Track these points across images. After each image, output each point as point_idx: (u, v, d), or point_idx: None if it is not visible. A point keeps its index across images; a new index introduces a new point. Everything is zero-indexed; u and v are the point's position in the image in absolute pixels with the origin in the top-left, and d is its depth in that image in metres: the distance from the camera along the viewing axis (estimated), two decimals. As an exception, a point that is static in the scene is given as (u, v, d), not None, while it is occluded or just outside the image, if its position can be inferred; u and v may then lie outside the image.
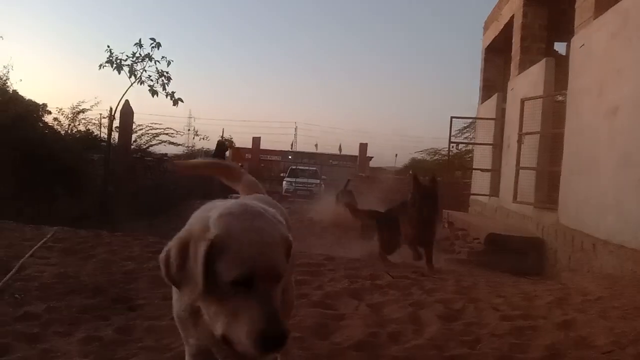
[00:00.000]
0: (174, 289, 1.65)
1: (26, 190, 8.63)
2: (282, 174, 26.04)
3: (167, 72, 11.20)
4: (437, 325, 3.46)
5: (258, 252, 1.31)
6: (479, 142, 13.04)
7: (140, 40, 10.98)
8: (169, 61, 11.14)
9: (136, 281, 4.26)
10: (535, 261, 7.14)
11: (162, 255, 1.35)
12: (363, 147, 32.71)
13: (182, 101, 11.45)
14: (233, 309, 1.28)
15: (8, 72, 11.90)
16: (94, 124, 12.60)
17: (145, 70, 11.11)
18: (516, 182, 8.84)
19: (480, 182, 12.20)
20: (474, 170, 13.30)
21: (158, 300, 3.74)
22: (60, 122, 11.99)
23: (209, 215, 1.37)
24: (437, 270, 5.90)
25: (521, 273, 6.47)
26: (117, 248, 5.54)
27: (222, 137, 24.51)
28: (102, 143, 11.73)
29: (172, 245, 1.34)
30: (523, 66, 9.75)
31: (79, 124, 12.37)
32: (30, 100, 12.64)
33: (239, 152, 31.11)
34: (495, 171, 11.07)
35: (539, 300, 4.32)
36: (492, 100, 11.93)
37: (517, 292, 4.62)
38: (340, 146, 39.78)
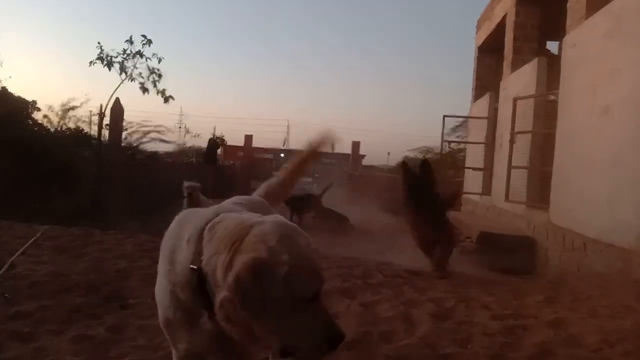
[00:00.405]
0: (158, 291, 1.63)
1: (17, 188, 8.57)
2: (274, 173, 25.95)
3: (157, 69, 11.18)
4: (429, 324, 3.48)
5: (320, 267, 1.45)
6: (472, 141, 13.08)
7: (131, 37, 10.94)
8: (159, 58, 11.12)
9: (128, 279, 4.26)
10: (526, 260, 7.18)
11: (230, 284, 1.31)
12: (356, 145, 32.74)
13: (172, 98, 11.47)
14: (301, 321, 1.35)
15: (-4, 69, 11.82)
16: (84, 121, 12.56)
17: (136, 67, 11.08)
18: (508, 181, 8.88)
19: (472, 181, 12.24)
20: (466, 169, 13.35)
21: (150, 299, 3.72)
22: (49, 119, 11.93)
23: (265, 238, 1.36)
24: (449, 274, 5.33)
25: (512, 271, 6.51)
26: (110, 246, 5.53)
27: (213, 135, 24.45)
28: (93, 140, 11.68)
29: (240, 272, 1.30)
30: (515, 65, 9.79)
31: (69, 121, 12.31)
32: (19, 97, 12.56)
33: (231, 150, 31.06)
34: (488, 170, 11.12)
35: (529, 299, 4.35)
36: (485, 100, 11.97)
37: (508, 291, 4.65)
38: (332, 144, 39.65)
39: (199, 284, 1.42)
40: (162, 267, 1.61)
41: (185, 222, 1.60)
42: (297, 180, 2.73)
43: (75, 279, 4.06)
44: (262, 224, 1.42)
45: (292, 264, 1.33)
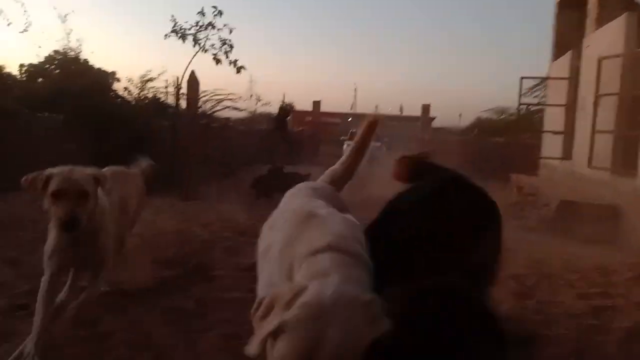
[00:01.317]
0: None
1: (101, 157, 8.98)
2: (342, 137, 25.85)
3: (229, 40, 11.31)
4: (510, 303, 3.40)
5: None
6: (551, 102, 12.45)
7: (202, 8, 11.08)
8: (230, 29, 11.24)
9: (212, 251, 4.41)
10: (610, 230, 6.82)
11: (255, 306, 1.29)
12: (425, 107, 31.97)
13: (244, 68, 11.60)
14: None
15: (80, 45, 12.39)
16: (162, 92, 12.93)
17: (209, 39, 11.25)
18: (592, 146, 8.41)
19: (551, 145, 11.71)
20: (544, 133, 12.76)
21: (233, 271, 3.87)
22: (129, 90, 12.38)
23: (308, 284, 1.26)
24: None
25: (595, 242, 6.22)
26: (191, 217, 5.73)
27: (283, 102, 24.61)
28: (170, 109, 12.03)
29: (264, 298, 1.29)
30: (601, 21, 9.12)
31: (147, 92, 12.71)
32: (100, 69, 13.13)
33: (299, 116, 31.25)
34: (568, 134, 10.58)
35: (617, 276, 4.16)
36: (565, 58, 11.29)
37: (593, 267, 4.45)
38: (401, 107, 39.09)
39: None
40: (275, 267, 1.55)
41: (308, 222, 1.57)
42: (358, 164, 2.64)
43: (163, 252, 4.24)
44: (323, 283, 1.26)
45: (282, 327, 1.19)
